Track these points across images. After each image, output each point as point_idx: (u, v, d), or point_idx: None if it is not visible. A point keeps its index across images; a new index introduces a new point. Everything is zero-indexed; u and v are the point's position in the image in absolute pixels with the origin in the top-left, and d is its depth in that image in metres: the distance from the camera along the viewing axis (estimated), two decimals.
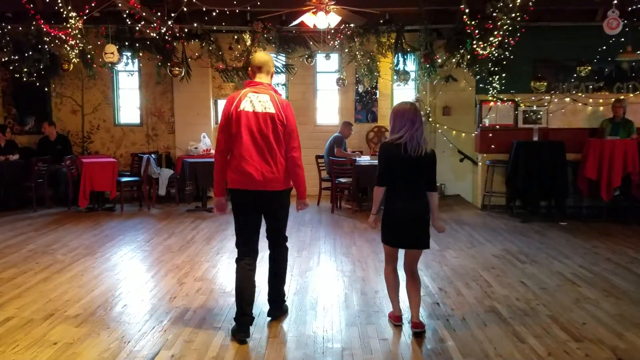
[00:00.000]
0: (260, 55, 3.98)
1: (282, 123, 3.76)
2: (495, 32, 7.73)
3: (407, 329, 3.89)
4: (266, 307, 4.21)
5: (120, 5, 7.69)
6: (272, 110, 3.75)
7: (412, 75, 9.65)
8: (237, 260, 3.85)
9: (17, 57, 8.94)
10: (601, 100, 8.68)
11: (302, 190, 3.93)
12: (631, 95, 8.76)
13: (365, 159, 8.86)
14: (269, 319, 4.08)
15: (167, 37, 8.75)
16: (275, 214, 3.94)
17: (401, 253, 3.93)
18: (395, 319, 3.97)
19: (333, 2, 7.45)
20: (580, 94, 8.89)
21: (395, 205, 3.75)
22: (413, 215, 3.72)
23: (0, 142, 9.21)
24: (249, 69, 4.03)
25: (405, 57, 9.33)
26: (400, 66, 9.32)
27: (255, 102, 3.76)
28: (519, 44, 8.10)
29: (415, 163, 3.65)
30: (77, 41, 8.30)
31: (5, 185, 8.87)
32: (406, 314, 4.04)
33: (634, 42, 8.13)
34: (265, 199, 3.79)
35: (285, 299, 4.27)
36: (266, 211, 3.91)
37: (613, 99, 8.31)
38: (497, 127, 8.79)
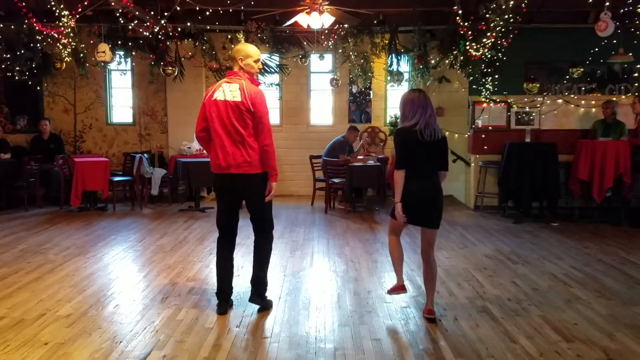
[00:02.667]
0: (235, 46, 4.28)
1: (249, 110, 3.98)
2: (488, 34, 7.75)
3: (398, 327, 3.90)
4: (257, 306, 4.23)
5: (113, 4, 7.66)
6: (238, 98, 3.99)
7: (406, 76, 9.66)
8: (218, 240, 4.25)
9: (9, 56, 8.87)
10: (593, 102, 8.72)
11: (272, 174, 4.11)
12: (623, 97, 8.80)
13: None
14: (263, 319, 4.08)
15: (160, 37, 8.72)
16: (251, 198, 4.17)
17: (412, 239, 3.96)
18: (400, 288, 4.22)
19: (327, 3, 7.45)
20: (572, 96, 8.93)
21: (410, 186, 3.92)
22: (427, 196, 3.95)
23: None
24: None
25: (399, 57, 9.36)
26: (394, 67, 9.34)
27: (227, 91, 4.04)
28: (512, 46, 8.13)
29: (431, 147, 3.88)
30: (70, 40, 8.25)
31: None
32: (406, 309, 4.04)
33: (626, 44, 8.18)
34: (240, 182, 4.05)
35: (267, 286, 4.33)
36: (243, 195, 4.18)
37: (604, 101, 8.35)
38: (490, 128, 8.82)
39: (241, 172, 4.02)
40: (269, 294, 4.39)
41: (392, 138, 4.19)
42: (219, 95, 4.03)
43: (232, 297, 4.34)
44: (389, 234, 4.27)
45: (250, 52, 4.14)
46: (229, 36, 9.28)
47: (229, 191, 4.14)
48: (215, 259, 4.28)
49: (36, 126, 9.79)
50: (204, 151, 9.53)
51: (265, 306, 4.27)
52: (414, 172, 3.92)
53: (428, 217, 3.99)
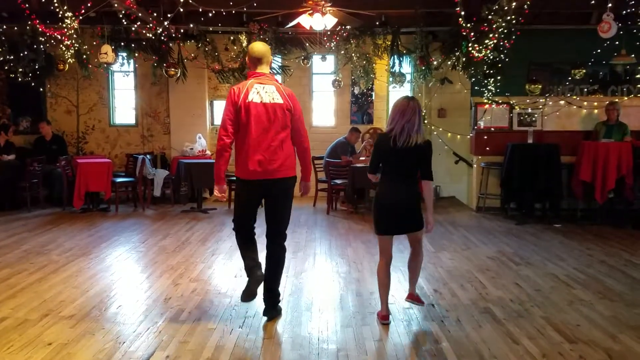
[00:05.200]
0: (259, 46, 4.09)
1: (291, 112, 3.93)
2: (491, 35, 7.74)
3: (400, 328, 3.90)
4: (261, 308, 4.23)
5: (116, 5, 7.68)
6: (280, 100, 3.90)
7: (408, 77, 9.65)
8: (237, 236, 4.11)
9: (12, 57, 8.87)
10: (595, 103, 8.72)
11: (309, 174, 4.21)
12: (625, 98, 8.80)
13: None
14: (264, 319, 4.08)
15: (163, 38, 8.74)
16: (281, 201, 4.04)
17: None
18: (383, 318, 4.03)
19: (329, 4, 7.46)
20: (574, 97, 8.92)
21: (384, 192, 3.95)
22: (401, 202, 3.91)
23: (0, 141, 9.22)
24: (247, 59, 4.13)
25: (401, 59, 9.34)
26: (396, 68, 9.33)
27: (262, 93, 3.88)
28: (514, 47, 8.11)
29: (404, 153, 3.82)
30: (73, 41, 8.27)
31: (0, 186, 8.83)
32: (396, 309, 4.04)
33: (629, 46, 8.17)
34: (271, 186, 3.95)
35: (281, 299, 4.27)
36: (273, 199, 4.03)
37: (607, 102, 8.35)
38: (492, 129, 8.82)
39: (278, 177, 3.92)
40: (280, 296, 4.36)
41: None
42: (254, 98, 3.85)
43: (234, 299, 4.33)
44: (379, 256, 4.06)
45: (270, 53, 4.16)
46: (232, 37, 9.28)
47: (258, 196, 4.03)
48: (217, 260, 4.30)
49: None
50: (207, 152, 9.70)
51: (278, 315, 4.18)
52: (388, 179, 3.94)
53: (407, 224, 3.96)
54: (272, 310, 4.14)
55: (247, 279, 4.05)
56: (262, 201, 4.13)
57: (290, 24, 8.23)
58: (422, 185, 3.96)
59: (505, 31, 7.70)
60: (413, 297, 4.21)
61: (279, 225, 4.09)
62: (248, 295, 4.00)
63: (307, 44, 9.49)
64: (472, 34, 8.04)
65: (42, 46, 8.79)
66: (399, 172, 3.90)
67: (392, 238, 4.02)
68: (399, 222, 3.93)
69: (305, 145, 4.05)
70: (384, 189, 3.95)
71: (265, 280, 4.07)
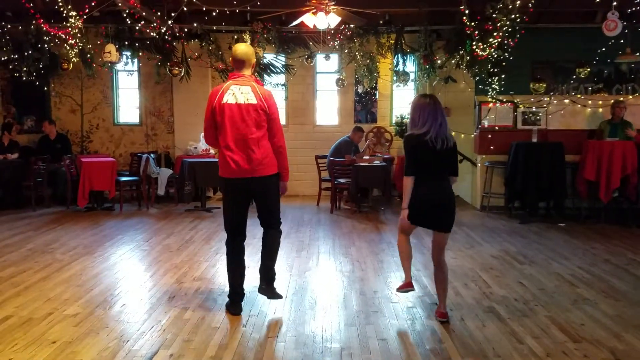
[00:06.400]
0: (242, 48, 4.17)
1: (265, 112, 4.01)
2: (495, 34, 7.73)
3: (404, 327, 3.90)
4: (265, 306, 4.26)
5: (120, 4, 7.69)
6: (254, 101, 3.99)
7: (412, 76, 9.64)
8: (227, 243, 4.23)
9: (16, 56, 8.90)
10: (600, 102, 8.68)
11: (285, 173, 4.23)
12: (630, 97, 8.76)
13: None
14: (269, 318, 4.09)
15: (166, 37, 8.74)
16: (264, 197, 4.18)
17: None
18: (407, 285, 4.18)
19: (333, 3, 7.45)
20: (579, 96, 8.89)
21: (421, 192, 3.94)
22: (438, 201, 3.95)
23: (4, 140, 9.24)
24: (231, 60, 4.24)
25: (405, 58, 9.33)
26: (400, 67, 9.32)
27: (238, 93, 4.00)
28: (519, 46, 8.11)
29: (442, 155, 3.88)
30: (77, 40, 8.29)
31: (4, 184, 8.86)
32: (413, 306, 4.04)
33: (633, 44, 8.14)
34: (254, 184, 4.06)
35: (275, 274, 4.37)
36: (255, 196, 4.17)
37: (612, 101, 8.31)
38: (496, 128, 8.80)
39: (257, 175, 4.03)
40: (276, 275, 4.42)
41: (403, 142, 4.15)
42: (229, 99, 3.98)
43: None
44: (398, 232, 4.25)
45: (254, 55, 4.22)
46: (235, 37, 9.27)
47: (244, 194, 4.13)
48: (221, 259, 4.32)
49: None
50: (211, 150, 9.72)
51: (275, 297, 4.29)
52: (425, 179, 3.94)
53: (439, 221, 3.98)
54: (269, 288, 4.26)
55: (252, 280, 4.12)
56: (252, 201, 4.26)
57: (294, 23, 8.23)
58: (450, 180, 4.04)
59: (510, 30, 7.69)
60: (444, 316, 4.03)
61: (268, 219, 4.26)
62: (236, 311, 4.22)
63: (311, 43, 9.48)
64: (476, 32, 8.02)
65: (46, 45, 8.82)
66: (436, 172, 3.94)
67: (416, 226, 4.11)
68: (432, 219, 3.98)
69: (278, 144, 4.11)
70: (422, 190, 3.92)
71: (261, 257, 4.30)
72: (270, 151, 4.09)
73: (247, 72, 4.11)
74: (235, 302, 4.21)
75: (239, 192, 4.11)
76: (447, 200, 3.97)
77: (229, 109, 3.97)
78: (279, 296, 4.33)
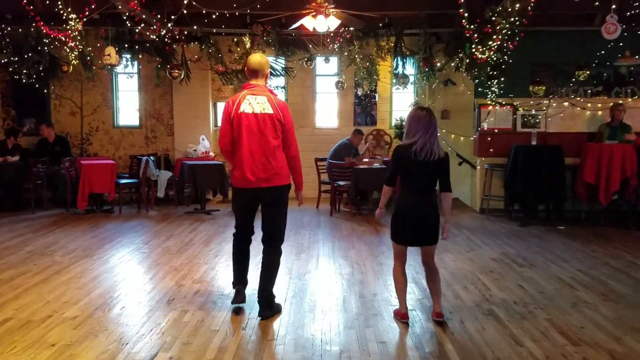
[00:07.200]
0: (256, 58, 4.21)
1: (281, 122, 4.05)
2: (494, 36, 7.74)
3: (404, 330, 3.89)
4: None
5: (120, 7, 7.70)
6: (270, 110, 4.03)
7: (411, 78, 9.66)
8: (235, 235, 4.32)
9: (16, 59, 8.92)
10: (599, 105, 8.70)
11: (300, 182, 4.35)
12: (629, 99, 8.78)
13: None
14: (269, 321, 4.09)
15: (166, 40, 8.76)
16: (273, 207, 4.19)
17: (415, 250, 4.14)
18: (402, 316, 4.08)
19: (333, 6, 7.46)
20: (578, 99, 8.91)
21: (404, 204, 3.99)
22: (420, 214, 3.95)
23: (8, 144, 9.26)
24: (245, 70, 4.30)
25: (405, 60, 9.35)
26: (400, 70, 9.34)
27: (254, 103, 4.03)
28: (518, 48, 8.12)
29: (425, 166, 3.86)
30: (77, 43, 8.30)
31: (4, 187, 8.86)
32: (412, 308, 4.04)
33: (633, 47, 8.15)
34: (266, 194, 4.10)
35: (275, 297, 4.32)
36: (264, 205, 4.18)
37: (612, 103, 8.32)
38: (496, 131, 8.81)
39: (270, 185, 4.06)
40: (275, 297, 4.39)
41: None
42: (246, 108, 4.02)
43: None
44: (394, 259, 4.18)
45: (268, 65, 4.29)
46: (235, 39, 9.31)
47: (255, 202, 4.19)
48: (220, 261, 4.33)
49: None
50: (211, 153, 9.72)
51: (276, 313, 4.23)
52: (408, 190, 3.98)
53: (423, 237, 4.00)
54: (267, 310, 4.19)
55: (252, 284, 4.14)
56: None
57: (294, 26, 8.23)
58: (441, 197, 4.01)
59: (509, 32, 7.71)
60: (439, 315, 4.05)
61: (272, 232, 4.24)
62: (240, 298, 4.31)
63: (311, 46, 9.50)
64: (476, 35, 8.04)
65: (46, 48, 8.83)
66: (419, 184, 3.95)
67: (407, 247, 4.11)
68: (417, 234, 3.98)
69: (293, 154, 4.18)
70: (405, 201, 3.98)
71: (260, 279, 4.25)
72: (285, 162, 4.14)
73: (261, 82, 4.16)
74: (240, 289, 4.28)
75: (251, 200, 4.17)
76: (428, 214, 3.95)
77: (246, 118, 4.01)
78: (280, 308, 4.31)
